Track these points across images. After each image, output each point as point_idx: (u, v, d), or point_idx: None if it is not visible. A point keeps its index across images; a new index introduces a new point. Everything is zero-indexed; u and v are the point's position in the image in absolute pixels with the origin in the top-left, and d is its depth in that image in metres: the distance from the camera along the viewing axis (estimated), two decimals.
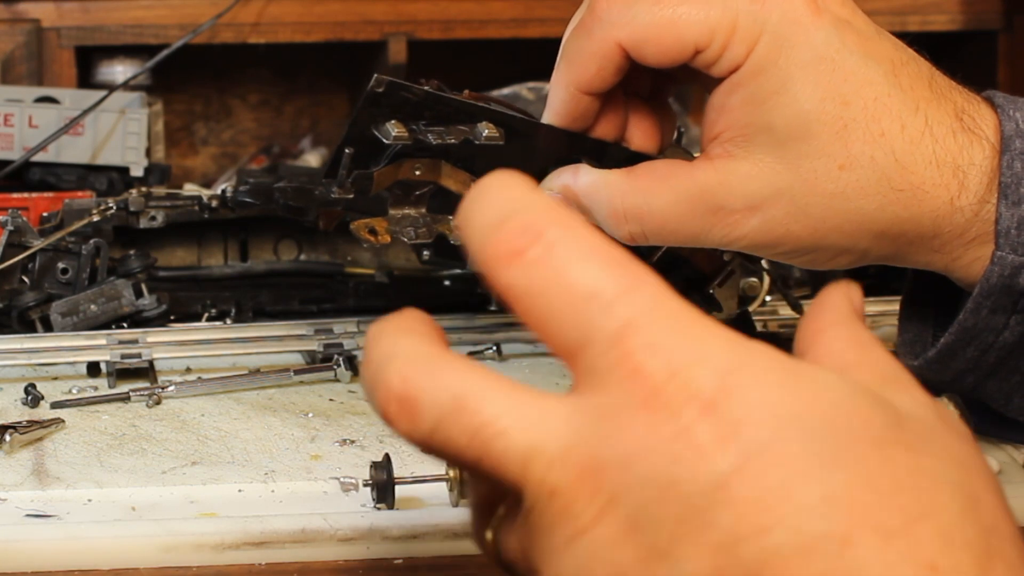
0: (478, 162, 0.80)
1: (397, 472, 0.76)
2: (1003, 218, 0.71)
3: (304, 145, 1.58)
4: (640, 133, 0.80)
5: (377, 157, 0.78)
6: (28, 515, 0.75)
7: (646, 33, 0.72)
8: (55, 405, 0.93)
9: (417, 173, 0.79)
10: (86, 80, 1.41)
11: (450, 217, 0.81)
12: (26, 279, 1.04)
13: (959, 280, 0.76)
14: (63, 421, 0.89)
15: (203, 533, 0.71)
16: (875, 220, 0.73)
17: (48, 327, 1.02)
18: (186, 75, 1.54)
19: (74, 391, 0.96)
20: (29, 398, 0.93)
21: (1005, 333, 0.73)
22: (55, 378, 1.00)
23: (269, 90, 1.60)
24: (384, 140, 0.77)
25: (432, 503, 0.77)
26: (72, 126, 1.26)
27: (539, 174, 0.79)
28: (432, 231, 0.81)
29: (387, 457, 0.76)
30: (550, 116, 0.78)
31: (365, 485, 0.76)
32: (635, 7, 0.73)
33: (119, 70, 1.40)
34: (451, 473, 0.76)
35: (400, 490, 0.76)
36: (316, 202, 0.78)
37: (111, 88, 1.31)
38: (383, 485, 0.75)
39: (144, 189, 1.10)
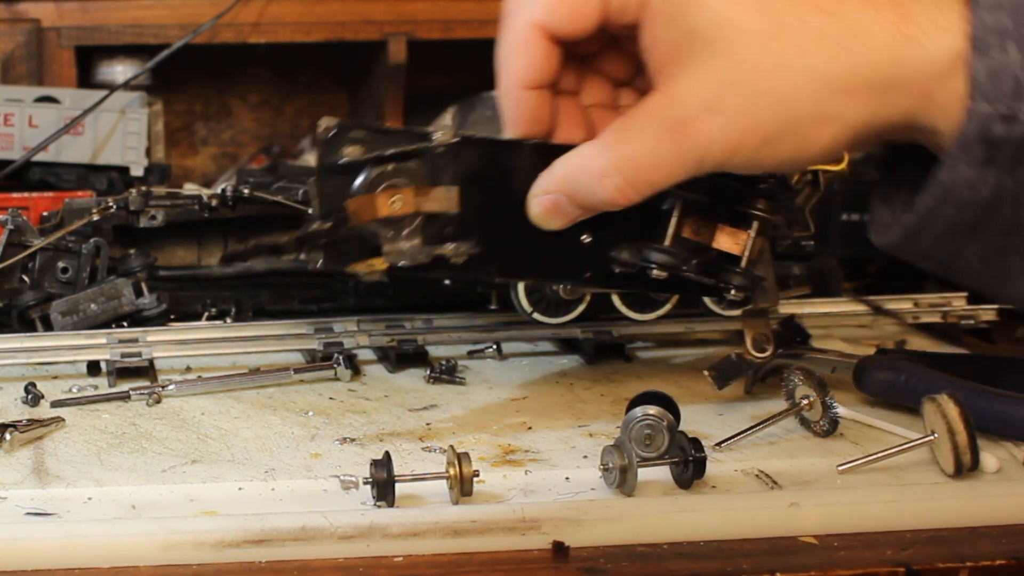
0: (463, 186, 0.81)
1: (397, 470, 0.76)
2: (976, 70, 0.72)
3: (304, 145, 1.58)
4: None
5: (353, 194, 0.80)
6: (28, 513, 0.75)
7: (552, 2, 0.75)
8: (55, 404, 0.93)
9: (398, 206, 0.80)
10: (86, 80, 1.41)
11: (449, 244, 0.82)
12: (26, 278, 1.04)
13: (936, 135, 0.75)
14: (63, 420, 0.89)
15: (203, 531, 0.71)
16: (829, 75, 0.73)
17: (48, 326, 1.03)
18: (186, 75, 1.54)
19: (74, 390, 0.96)
20: (29, 397, 0.93)
21: (981, 188, 0.73)
22: (55, 377, 1.00)
23: (269, 90, 1.60)
24: (340, 161, 0.79)
25: (432, 501, 0.77)
26: (72, 126, 1.26)
27: (525, 189, 0.80)
28: (430, 255, 0.82)
29: (387, 455, 0.76)
30: (508, 127, 0.80)
31: (365, 483, 0.76)
32: None
33: (119, 70, 1.40)
34: (451, 471, 0.76)
35: (400, 488, 0.76)
36: (304, 241, 0.80)
37: (111, 88, 1.31)
38: (383, 483, 0.75)
39: (144, 189, 1.10)
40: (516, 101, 0.79)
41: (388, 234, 0.81)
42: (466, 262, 0.82)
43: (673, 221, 0.84)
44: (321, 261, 0.80)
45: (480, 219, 0.82)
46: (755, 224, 0.85)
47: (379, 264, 0.80)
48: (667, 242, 0.84)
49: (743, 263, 0.86)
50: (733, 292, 0.86)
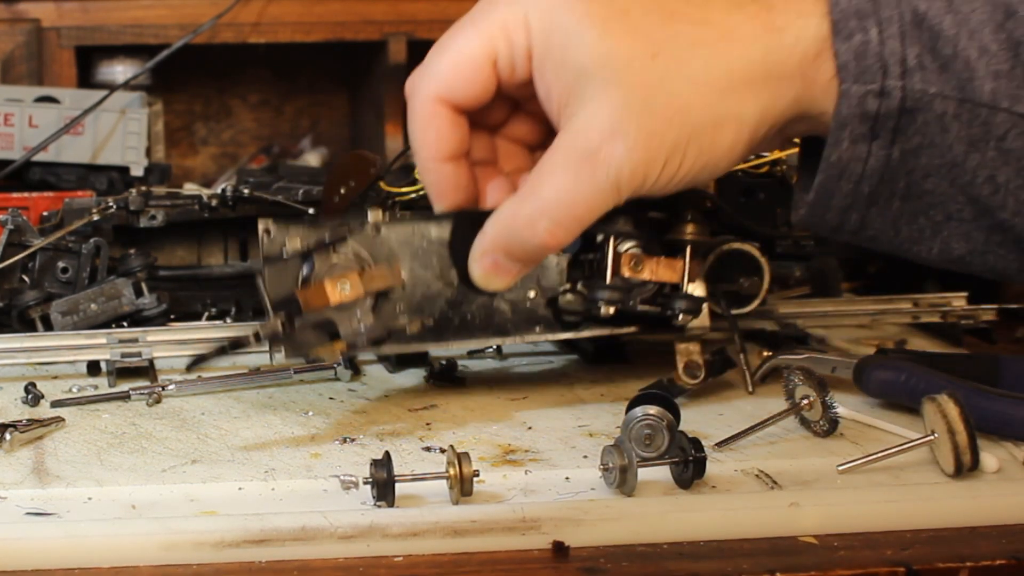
0: (406, 265, 0.86)
1: (397, 470, 0.76)
2: (840, 53, 0.75)
3: (304, 145, 1.58)
4: None
5: (300, 285, 0.84)
6: (28, 513, 0.75)
7: (446, 74, 0.80)
8: (55, 404, 0.93)
9: (347, 291, 0.83)
10: (86, 80, 1.41)
11: (402, 317, 0.86)
12: (26, 278, 1.04)
13: (823, 117, 0.78)
14: (63, 420, 0.89)
15: (203, 531, 0.71)
16: (712, 78, 0.76)
17: (48, 326, 1.02)
18: (186, 75, 1.54)
19: (74, 390, 0.96)
20: (29, 397, 0.93)
21: (870, 160, 0.77)
22: (55, 377, 1.00)
23: (269, 90, 1.60)
24: (283, 257, 0.83)
25: (432, 501, 0.77)
26: (72, 126, 1.26)
27: (466, 257, 0.82)
28: (386, 329, 0.85)
29: (387, 455, 0.76)
30: (434, 201, 0.83)
31: (365, 483, 0.76)
32: (428, 63, 0.80)
33: (119, 70, 1.40)
34: (451, 471, 0.76)
35: (400, 488, 0.76)
36: (263, 337, 0.84)
37: (111, 88, 1.31)
38: (383, 483, 0.76)
39: (144, 189, 1.10)
40: (434, 176, 0.82)
41: (343, 319, 0.84)
42: (421, 332, 0.86)
43: (609, 258, 0.88)
44: (283, 353, 0.83)
45: (427, 293, 0.86)
46: (688, 249, 0.90)
47: (339, 347, 0.84)
48: (608, 278, 0.89)
49: (684, 288, 0.90)
50: (681, 317, 0.91)
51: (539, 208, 0.77)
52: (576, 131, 0.77)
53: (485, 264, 0.80)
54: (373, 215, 0.84)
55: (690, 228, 0.89)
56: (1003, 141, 0.76)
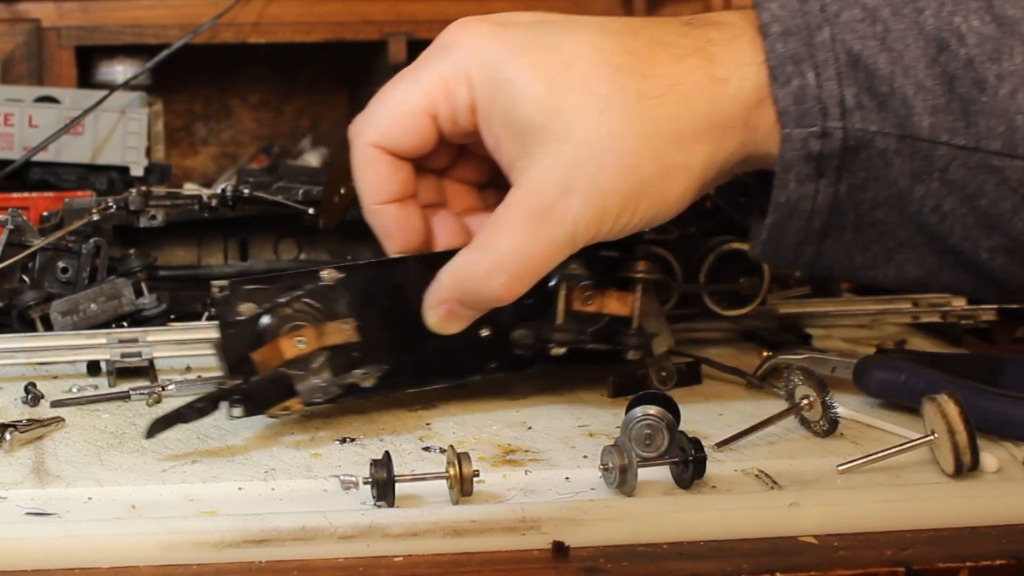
0: (359, 312, 0.86)
1: (397, 470, 0.76)
2: (779, 99, 0.77)
3: (304, 145, 1.58)
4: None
5: (256, 344, 0.85)
6: (28, 513, 0.75)
7: (384, 125, 0.82)
8: (55, 404, 0.93)
9: (302, 346, 0.84)
10: (86, 80, 1.41)
11: (355, 371, 0.86)
12: (26, 278, 1.04)
13: (770, 159, 0.79)
14: (63, 420, 0.89)
15: (203, 531, 0.71)
16: (659, 132, 0.77)
17: (48, 326, 1.03)
18: (186, 75, 1.54)
19: (74, 390, 0.96)
20: (29, 397, 0.93)
21: (819, 197, 0.78)
22: (55, 377, 1.00)
23: (269, 90, 1.60)
24: (239, 319, 0.83)
25: (432, 501, 0.77)
26: (72, 126, 1.26)
27: (419, 301, 0.84)
28: (341, 385, 0.86)
29: (387, 455, 0.76)
30: (384, 245, 0.86)
31: (365, 483, 0.76)
32: (368, 111, 0.82)
33: (119, 70, 1.40)
34: (451, 471, 0.76)
35: (400, 488, 0.76)
36: (220, 398, 0.85)
37: (111, 88, 1.31)
38: (383, 483, 0.76)
39: (144, 188, 1.10)
40: (379, 218, 0.84)
41: (298, 374, 0.85)
42: (377, 383, 0.87)
43: (561, 297, 0.90)
44: (240, 412, 0.84)
45: (381, 339, 0.87)
46: (639, 286, 0.91)
47: (296, 405, 0.84)
48: (559, 319, 0.90)
49: (634, 324, 0.91)
50: (631, 353, 0.92)
51: (496, 263, 0.79)
52: (530, 188, 0.78)
53: (440, 313, 0.83)
54: (327, 272, 0.85)
55: (641, 266, 0.91)
56: (945, 172, 0.77)
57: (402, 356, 0.88)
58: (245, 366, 0.84)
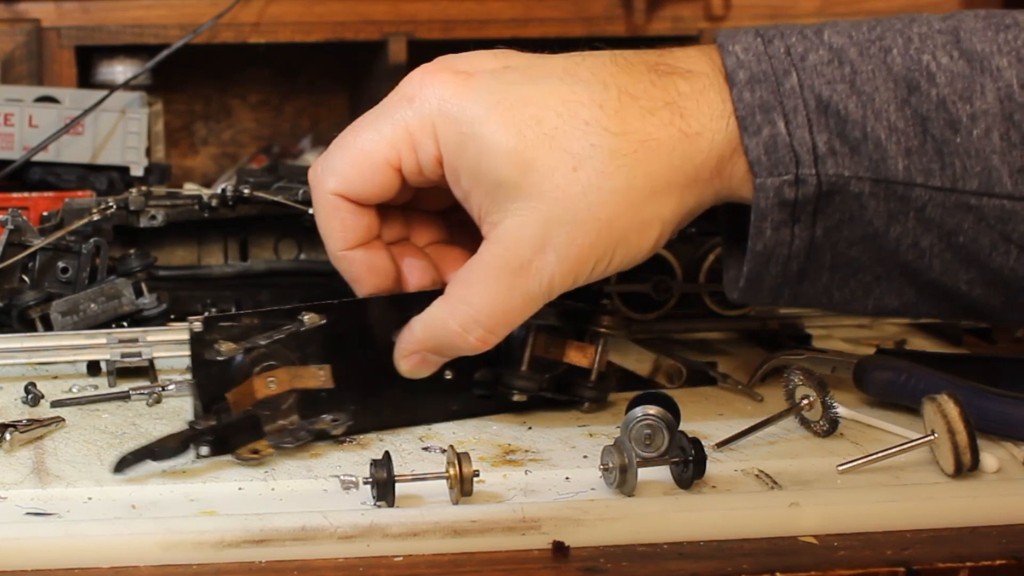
0: (330, 354, 0.86)
1: (397, 470, 0.76)
2: (750, 149, 0.76)
3: (304, 145, 1.58)
4: (455, 269, 0.84)
5: (229, 384, 0.84)
6: (28, 513, 0.75)
7: (346, 173, 0.81)
8: (55, 404, 0.93)
9: (273, 388, 0.84)
10: (86, 80, 1.41)
11: (325, 416, 0.86)
12: (26, 278, 1.04)
13: (744, 201, 0.79)
14: (63, 420, 0.89)
15: (203, 531, 0.71)
16: (635, 187, 0.77)
17: (48, 326, 1.02)
18: (186, 75, 1.54)
19: (74, 390, 0.96)
20: (29, 397, 0.93)
21: (795, 242, 0.78)
22: (55, 377, 1.00)
23: (269, 90, 1.60)
24: (216, 358, 0.83)
25: (432, 501, 0.77)
26: (72, 126, 1.26)
27: (387, 343, 0.85)
28: (310, 431, 0.85)
29: (387, 455, 0.76)
30: (354, 289, 0.86)
31: (365, 483, 0.77)
32: (328, 158, 0.82)
33: (119, 70, 1.40)
34: (451, 471, 0.76)
35: (400, 488, 0.76)
36: (191, 439, 0.84)
37: (111, 88, 1.31)
38: (383, 483, 0.76)
39: (144, 188, 1.10)
40: (347, 264, 0.84)
41: (267, 414, 0.84)
42: (347, 430, 0.86)
43: (529, 346, 0.90)
44: (207, 452, 0.83)
45: (349, 383, 0.86)
46: (601, 341, 0.91)
47: (264, 448, 0.83)
48: (523, 366, 0.90)
49: (593, 375, 0.92)
50: (587, 405, 0.92)
51: (471, 317, 0.79)
52: (505, 244, 0.77)
53: (413, 361, 0.83)
54: (309, 317, 0.85)
55: (606, 320, 0.91)
56: (922, 212, 0.77)
57: (369, 401, 0.88)
58: (217, 404, 0.83)
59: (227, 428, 0.83)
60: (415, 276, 0.87)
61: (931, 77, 0.76)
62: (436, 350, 0.82)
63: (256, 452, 0.83)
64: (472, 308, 0.79)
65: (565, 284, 0.79)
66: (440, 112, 0.78)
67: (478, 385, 0.91)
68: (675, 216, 0.79)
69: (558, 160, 0.76)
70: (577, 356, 0.92)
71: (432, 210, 0.88)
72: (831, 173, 0.76)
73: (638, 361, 0.96)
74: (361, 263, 0.84)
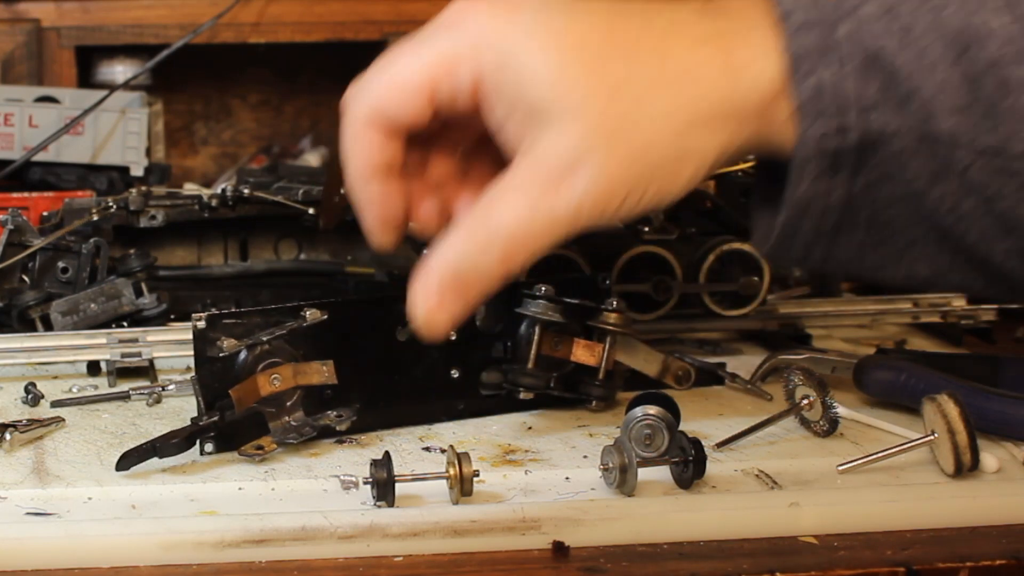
0: (334, 351, 0.86)
1: (397, 470, 0.76)
2: (797, 93, 0.75)
3: (304, 145, 1.58)
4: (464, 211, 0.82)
5: (233, 380, 0.84)
6: (28, 513, 0.75)
7: (382, 95, 0.79)
8: (55, 404, 0.93)
9: (277, 384, 0.84)
10: (86, 80, 1.41)
11: (329, 412, 0.86)
12: (26, 278, 1.04)
13: (785, 151, 0.78)
14: (63, 420, 0.89)
15: (203, 531, 0.71)
16: (673, 116, 0.76)
17: (48, 326, 1.02)
18: (186, 75, 1.54)
19: (74, 390, 0.96)
20: (29, 397, 0.93)
21: (834, 194, 0.77)
22: (55, 377, 1.00)
23: (269, 90, 1.60)
24: (219, 354, 0.83)
25: (432, 501, 0.77)
26: (72, 126, 1.26)
27: (392, 340, 0.86)
28: (315, 427, 0.85)
29: (387, 455, 0.76)
30: (362, 216, 0.82)
31: (365, 483, 0.77)
32: (365, 82, 0.80)
33: (119, 70, 1.40)
34: (451, 471, 0.76)
35: (400, 488, 0.76)
36: (195, 435, 0.84)
37: (111, 88, 1.31)
38: (383, 483, 0.76)
39: (144, 188, 1.10)
40: (363, 186, 0.82)
41: (272, 411, 0.84)
42: (351, 426, 0.86)
43: (535, 343, 0.90)
44: (212, 448, 0.84)
45: (354, 380, 0.86)
46: (608, 339, 0.91)
47: (268, 445, 0.83)
48: (530, 364, 0.90)
49: (600, 374, 0.91)
50: (595, 403, 0.92)
51: (495, 231, 0.76)
52: (537, 159, 0.76)
53: (430, 303, 0.77)
54: (311, 313, 0.85)
55: (614, 317, 0.91)
56: (965, 174, 0.76)
57: (375, 398, 0.88)
58: (221, 401, 0.83)
59: (231, 425, 0.83)
60: (422, 211, 0.84)
61: (984, 38, 0.76)
62: (456, 274, 0.78)
63: (260, 448, 0.83)
64: (495, 223, 0.76)
65: (594, 211, 0.76)
66: (481, 38, 0.77)
67: (485, 386, 0.91)
68: (712, 151, 0.77)
69: (596, 85, 0.75)
70: (584, 354, 0.92)
71: (450, 148, 0.86)
72: (875, 127, 0.75)
73: (646, 361, 0.96)
74: (377, 194, 0.82)
